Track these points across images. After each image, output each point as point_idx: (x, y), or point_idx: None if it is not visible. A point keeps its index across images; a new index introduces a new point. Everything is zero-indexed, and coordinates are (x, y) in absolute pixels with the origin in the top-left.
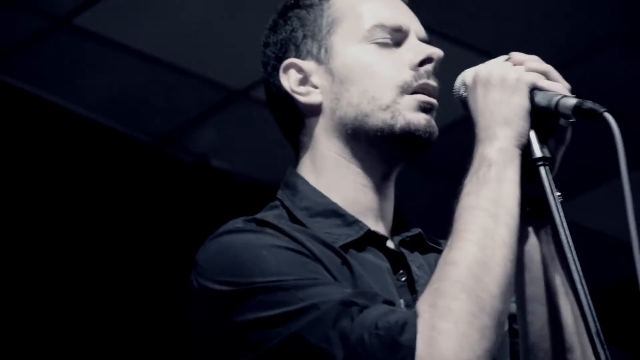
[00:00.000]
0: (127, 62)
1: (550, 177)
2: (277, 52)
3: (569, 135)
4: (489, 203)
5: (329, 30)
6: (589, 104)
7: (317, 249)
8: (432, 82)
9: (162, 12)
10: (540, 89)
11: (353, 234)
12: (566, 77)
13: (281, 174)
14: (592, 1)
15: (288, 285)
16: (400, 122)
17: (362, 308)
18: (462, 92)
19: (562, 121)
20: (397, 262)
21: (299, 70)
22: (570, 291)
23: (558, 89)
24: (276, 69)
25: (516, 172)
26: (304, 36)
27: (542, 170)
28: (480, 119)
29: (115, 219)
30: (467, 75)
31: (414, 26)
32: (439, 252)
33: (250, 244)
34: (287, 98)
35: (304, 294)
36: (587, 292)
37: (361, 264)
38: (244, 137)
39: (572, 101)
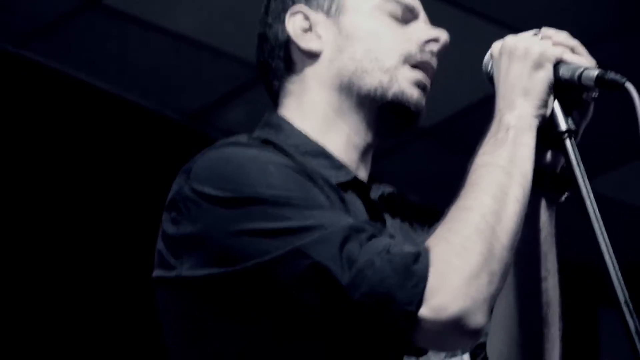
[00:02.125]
0: (156, 41)
1: (576, 149)
2: (284, 4)
3: (591, 109)
4: (504, 162)
5: None
6: (611, 74)
7: (317, 179)
8: (433, 63)
9: None
10: (565, 62)
11: (342, 177)
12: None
13: None
14: None
15: (294, 203)
16: (394, 88)
17: (371, 236)
18: (489, 67)
19: (585, 95)
20: (375, 214)
21: (306, 17)
22: (556, 273)
23: (583, 62)
24: (279, 18)
25: (532, 139)
26: None
27: (567, 142)
28: (502, 88)
29: (144, 195)
30: (494, 47)
31: (423, 13)
32: (407, 219)
33: (257, 158)
34: (283, 44)
35: (310, 213)
36: (614, 262)
37: (353, 205)
38: None
39: (594, 72)
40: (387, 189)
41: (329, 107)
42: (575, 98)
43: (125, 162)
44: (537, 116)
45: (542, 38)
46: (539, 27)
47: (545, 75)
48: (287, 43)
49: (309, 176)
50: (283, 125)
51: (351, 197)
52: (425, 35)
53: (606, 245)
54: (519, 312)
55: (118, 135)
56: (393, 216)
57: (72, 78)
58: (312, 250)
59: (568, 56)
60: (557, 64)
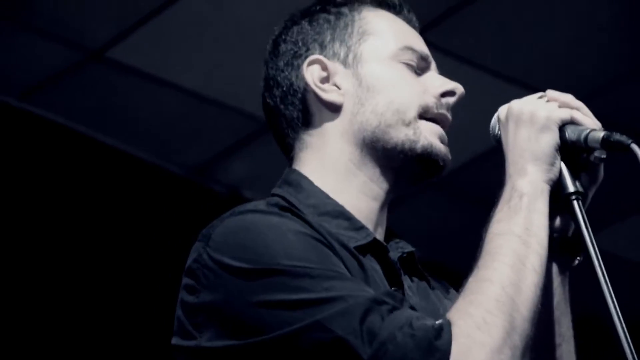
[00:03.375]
0: (159, 93)
1: (583, 211)
2: (296, 49)
3: (601, 171)
4: (521, 230)
5: (359, 39)
6: (616, 136)
7: (336, 245)
8: (449, 116)
9: (195, 44)
10: (571, 124)
11: (361, 239)
12: (595, 107)
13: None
14: (619, 32)
15: (314, 274)
16: (422, 142)
17: (393, 308)
18: (496, 130)
19: (593, 157)
20: (393, 276)
21: (324, 68)
22: (571, 339)
23: (589, 124)
24: (291, 65)
25: (546, 205)
26: (332, 39)
27: (575, 204)
28: (511, 154)
29: (147, 250)
30: (501, 111)
31: (434, 62)
32: (425, 278)
33: (276, 226)
34: (300, 93)
35: (330, 284)
36: (623, 324)
37: (371, 269)
38: (276, 169)
39: (600, 134)
40: (406, 248)
41: (351, 161)
42: (583, 160)
43: (127, 216)
44: (547, 181)
45: (547, 101)
46: (540, 78)
47: (552, 139)
48: (304, 93)
49: (328, 244)
50: (303, 184)
51: (369, 261)
52: (442, 87)
53: (615, 308)
54: None
55: (120, 189)
56: (411, 277)
57: (74, 132)
58: (333, 324)
59: (575, 117)
60: (563, 127)
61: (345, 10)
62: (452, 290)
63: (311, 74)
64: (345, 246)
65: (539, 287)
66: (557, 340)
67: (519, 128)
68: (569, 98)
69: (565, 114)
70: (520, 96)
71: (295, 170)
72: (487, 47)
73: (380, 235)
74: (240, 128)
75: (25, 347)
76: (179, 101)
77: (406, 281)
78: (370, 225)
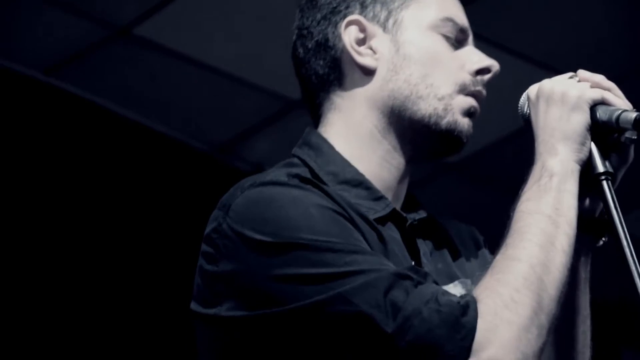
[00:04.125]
0: (186, 71)
1: (613, 192)
2: (336, 5)
3: (631, 153)
4: (550, 210)
5: (401, 4)
6: None
7: (356, 219)
8: (484, 92)
9: (221, 22)
10: (603, 105)
11: (380, 210)
12: (625, 90)
13: None
14: None
15: (336, 248)
16: (448, 117)
17: (417, 283)
18: (525, 108)
19: (624, 138)
20: (410, 245)
21: (362, 29)
22: (587, 319)
23: (620, 105)
24: (329, 20)
25: (575, 186)
26: (371, 1)
27: (604, 184)
28: (541, 133)
29: (171, 226)
30: (531, 90)
31: (471, 35)
32: (446, 242)
33: (298, 199)
34: (334, 53)
35: (352, 258)
36: None
37: (392, 241)
38: None
39: (632, 114)
40: (420, 214)
41: (376, 127)
42: (613, 141)
43: (151, 193)
44: (578, 161)
45: (578, 81)
46: (568, 63)
47: (583, 119)
48: (338, 51)
49: (349, 217)
50: (323, 148)
51: (389, 230)
52: (479, 64)
53: None
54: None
55: (145, 166)
56: (430, 242)
57: (100, 107)
58: (356, 297)
59: (606, 98)
60: (594, 107)
61: None
62: (483, 249)
63: (349, 34)
64: (365, 218)
65: (567, 267)
66: (575, 318)
67: (550, 107)
68: (600, 78)
69: (597, 94)
70: (541, 77)
71: (315, 132)
72: (511, 29)
73: (399, 204)
74: (265, 106)
75: (33, 326)
76: (204, 79)
77: (423, 248)
78: (390, 194)
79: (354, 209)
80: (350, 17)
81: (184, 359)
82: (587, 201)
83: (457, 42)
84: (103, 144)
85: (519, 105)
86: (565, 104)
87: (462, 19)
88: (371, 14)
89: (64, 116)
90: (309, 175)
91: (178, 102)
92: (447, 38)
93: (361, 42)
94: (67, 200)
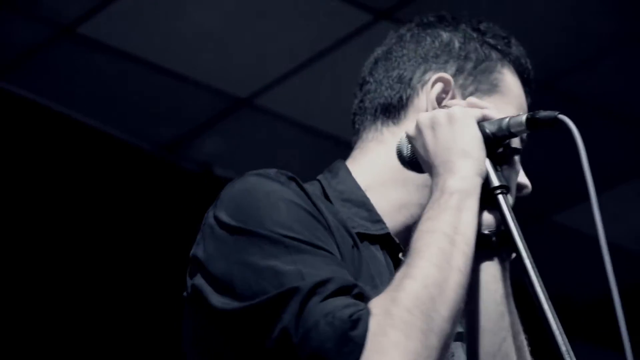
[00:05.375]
0: (131, 70)
1: (509, 205)
2: (439, 52)
3: (518, 162)
4: (448, 228)
5: (488, 90)
6: (540, 113)
7: (333, 223)
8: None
9: (166, 20)
10: (485, 119)
11: (372, 230)
12: (570, 82)
13: None
14: (594, 4)
15: (289, 244)
16: None
17: (332, 294)
18: (405, 151)
19: (509, 150)
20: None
21: (447, 91)
22: (519, 328)
23: (501, 116)
24: (423, 58)
25: (476, 202)
26: (470, 72)
27: (500, 198)
28: (435, 158)
29: (119, 227)
30: (408, 130)
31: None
32: None
33: (273, 193)
34: (410, 92)
35: (299, 258)
36: (554, 314)
37: (370, 256)
38: (248, 145)
39: (523, 117)
40: None
41: (393, 179)
42: (500, 154)
43: (99, 193)
44: (479, 174)
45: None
46: (544, 41)
47: (475, 132)
48: (416, 96)
49: (322, 218)
50: (340, 172)
51: (373, 250)
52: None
53: (545, 298)
54: None
55: (91, 166)
56: None
57: (45, 108)
58: (280, 304)
59: (487, 114)
60: (480, 123)
61: (494, 55)
62: None
63: (436, 88)
64: (346, 228)
65: (463, 286)
66: (503, 334)
67: (437, 131)
68: (473, 101)
69: (477, 111)
70: None
71: (340, 161)
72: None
73: (402, 236)
74: (213, 105)
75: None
76: (150, 78)
77: None
78: (396, 228)
79: (339, 218)
80: (444, 74)
81: (174, 357)
82: (492, 215)
83: None
84: (48, 145)
85: (396, 149)
86: (453, 122)
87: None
88: (461, 81)
89: (9, 118)
90: (318, 192)
91: (123, 102)
92: None
93: (440, 99)
94: (10, 201)
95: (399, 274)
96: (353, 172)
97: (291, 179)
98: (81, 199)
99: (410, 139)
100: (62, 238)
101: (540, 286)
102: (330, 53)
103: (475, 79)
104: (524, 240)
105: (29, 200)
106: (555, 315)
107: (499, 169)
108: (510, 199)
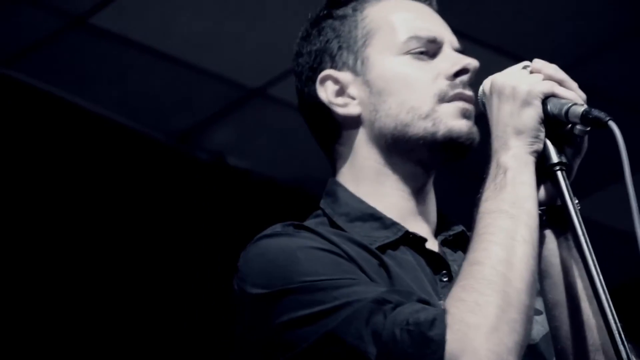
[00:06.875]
0: (143, 60)
1: (567, 182)
2: (311, 63)
3: (585, 144)
4: (507, 205)
5: (364, 42)
6: (595, 112)
7: (353, 250)
8: (468, 92)
9: (178, 10)
10: (554, 97)
11: (391, 236)
12: (581, 74)
13: (297, 172)
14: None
15: (322, 286)
16: (442, 130)
17: (395, 305)
18: (480, 105)
19: (577, 130)
20: (438, 262)
21: (336, 81)
22: (592, 293)
23: (572, 97)
24: (311, 79)
25: (531, 176)
26: (339, 47)
27: (558, 174)
28: (494, 129)
29: (132, 217)
30: (485, 85)
31: (448, 36)
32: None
33: (286, 247)
34: (323, 109)
35: (339, 293)
36: (606, 292)
37: (399, 264)
38: (261, 135)
39: (580, 109)
40: (452, 231)
41: (379, 164)
42: (566, 133)
43: (111, 183)
44: (531, 153)
45: (531, 72)
46: (523, 46)
47: (534, 113)
48: (326, 107)
49: (340, 250)
50: (338, 194)
51: (401, 255)
52: (454, 67)
53: (598, 276)
54: (572, 344)
55: (104, 156)
56: (458, 252)
57: (57, 98)
58: (342, 332)
59: (558, 90)
60: (546, 100)
61: (348, 11)
62: None
63: (325, 90)
64: (366, 248)
65: (533, 256)
66: (577, 302)
67: (501, 103)
68: (553, 70)
69: (548, 87)
70: (503, 65)
71: (333, 181)
72: (469, 15)
73: (422, 225)
74: (225, 95)
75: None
76: (162, 68)
77: (459, 260)
78: (411, 219)
79: (355, 241)
80: (322, 74)
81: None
82: (549, 191)
83: (431, 55)
84: (60, 136)
85: (478, 96)
86: (516, 99)
87: (427, 30)
88: (341, 62)
89: (19, 107)
90: (327, 223)
91: (135, 92)
92: (417, 55)
93: (340, 92)
94: (23, 192)
95: (465, 263)
96: (349, 187)
97: (297, 227)
98: (93, 189)
99: (484, 95)
100: (75, 228)
101: (594, 263)
102: None
103: (348, 47)
104: (580, 217)
105: (42, 190)
106: (608, 294)
107: (561, 148)
108: (568, 177)
